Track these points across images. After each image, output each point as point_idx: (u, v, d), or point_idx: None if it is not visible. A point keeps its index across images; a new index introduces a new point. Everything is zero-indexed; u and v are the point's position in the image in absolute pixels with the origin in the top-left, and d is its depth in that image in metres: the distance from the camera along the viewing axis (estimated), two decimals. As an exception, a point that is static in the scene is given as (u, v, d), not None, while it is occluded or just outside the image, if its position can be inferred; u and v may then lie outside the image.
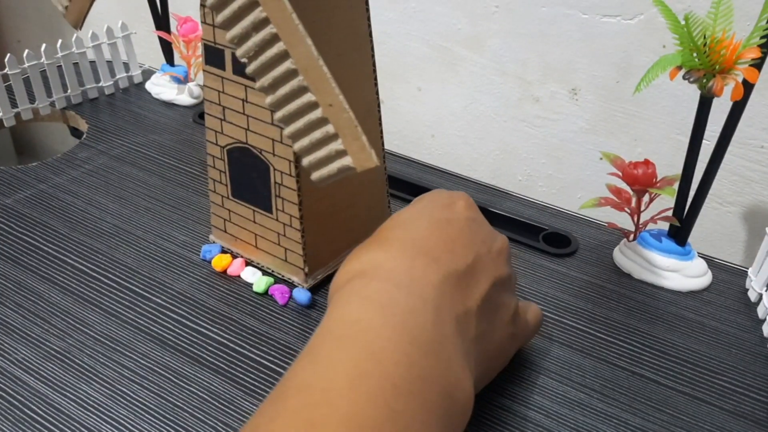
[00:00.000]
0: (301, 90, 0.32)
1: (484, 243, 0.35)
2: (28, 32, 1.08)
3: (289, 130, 0.33)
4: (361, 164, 0.32)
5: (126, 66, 0.71)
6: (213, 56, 0.41)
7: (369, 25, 0.43)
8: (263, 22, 0.32)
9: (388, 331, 0.27)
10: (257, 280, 0.45)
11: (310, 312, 0.44)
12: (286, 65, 0.32)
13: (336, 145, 0.32)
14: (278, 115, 0.33)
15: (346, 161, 0.32)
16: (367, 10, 0.43)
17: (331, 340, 0.28)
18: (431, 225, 0.34)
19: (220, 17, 0.33)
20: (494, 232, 0.37)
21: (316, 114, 0.32)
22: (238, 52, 0.33)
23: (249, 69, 0.33)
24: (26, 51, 0.62)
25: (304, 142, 0.33)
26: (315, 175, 0.34)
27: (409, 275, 0.30)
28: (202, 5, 0.40)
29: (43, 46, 0.63)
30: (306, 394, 0.25)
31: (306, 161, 0.34)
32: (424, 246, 0.32)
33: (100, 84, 0.69)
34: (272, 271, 0.46)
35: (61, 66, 0.65)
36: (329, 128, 0.32)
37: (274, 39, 0.32)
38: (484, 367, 0.33)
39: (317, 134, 0.33)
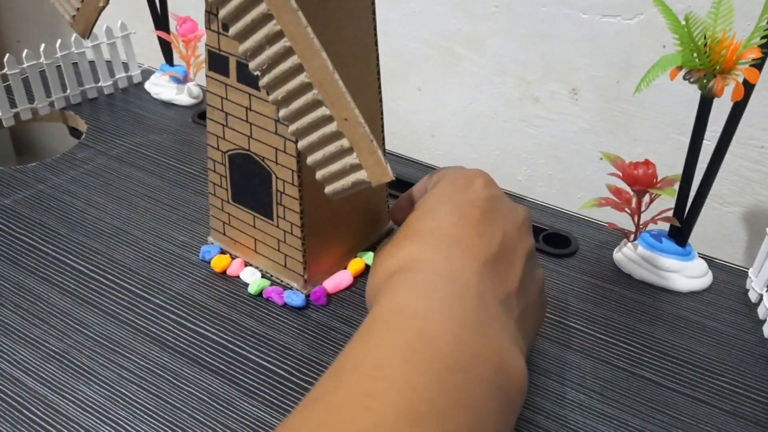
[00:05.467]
0: (316, 104, 0.32)
1: (508, 219, 0.35)
2: (28, 32, 1.08)
3: (302, 143, 0.33)
4: (377, 178, 0.32)
5: (125, 66, 0.71)
6: (217, 63, 0.41)
7: (375, 35, 0.43)
8: (277, 36, 0.32)
9: (436, 314, 0.28)
10: (251, 283, 0.45)
11: (308, 312, 0.44)
12: (300, 79, 0.32)
13: (350, 159, 0.32)
14: (292, 128, 0.33)
15: (361, 175, 0.32)
16: (374, 20, 0.42)
17: (381, 323, 0.28)
18: (455, 211, 0.34)
19: (232, 30, 0.33)
20: (514, 205, 0.37)
21: (331, 128, 0.32)
22: (251, 66, 0.33)
23: (262, 82, 0.33)
24: (25, 51, 0.62)
25: (318, 155, 0.33)
26: (329, 189, 0.34)
27: (448, 265, 0.31)
28: (208, 11, 0.39)
29: (42, 45, 0.63)
30: (362, 370, 0.26)
31: (319, 175, 0.33)
32: (454, 235, 0.33)
33: (99, 84, 0.69)
34: (271, 275, 0.46)
35: (60, 66, 0.65)
36: (344, 142, 0.32)
37: (288, 52, 0.32)
38: (527, 342, 0.34)
39: (331, 148, 0.32)
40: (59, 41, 0.64)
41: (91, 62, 0.68)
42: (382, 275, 0.32)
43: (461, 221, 0.33)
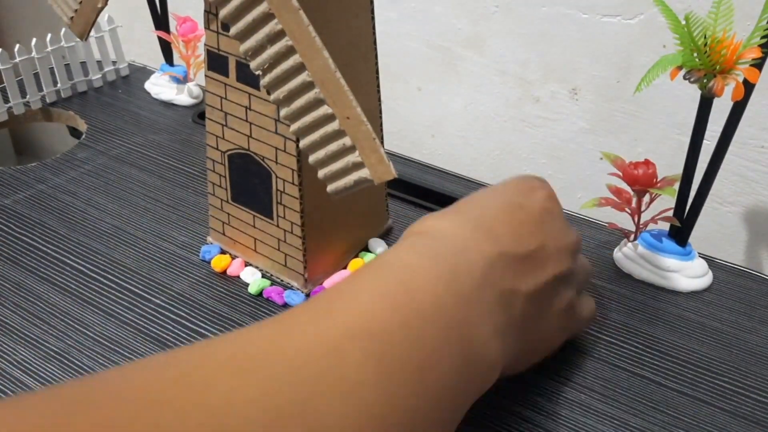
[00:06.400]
0: (318, 102, 0.32)
1: (553, 236, 0.34)
2: (28, 33, 1.08)
3: (304, 142, 0.33)
4: (380, 176, 0.32)
5: (114, 60, 0.71)
6: (216, 63, 0.41)
7: (374, 33, 0.43)
8: (279, 35, 0.32)
9: (425, 272, 0.28)
10: (252, 283, 0.45)
11: (309, 313, 0.44)
12: (302, 77, 0.32)
13: (353, 158, 0.32)
14: (293, 127, 0.33)
15: (363, 173, 0.32)
16: (373, 18, 0.42)
17: (368, 269, 0.29)
18: (503, 207, 0.34)
19: (233, 29, 0.33)
20: (568, 228, 0.36)
21: (333, 126, 0.32)
22: (252, 65, 0.33)
23: (263, 82, 0.33)
24: (17, 45, 0.62)
25: (320, 154, 0.33)
26: (331, 188, 0.33)
27: (463, 242, 0.31)
28: (207, 11, 0.39)
29: (34, 40, 0.63)
30: (334, 294, 0.27)
31: (321, 173, 0.33)
32: (488, 223, 0.32)
33: (89, 77, 0.69)
34: (271, 275, 0.46)
35: (51, 60, 0.65)
36: (346, 140, 0.32)
37: (289, 51, 0.32)
38: (524, 349, 0.33)
39: (333, 146, 0.32)
40: (49, 35, 0.64)
41: (83, 63, 0.69)
42: (403, 235, 0.32)
43: (501, 216, 0.33)
